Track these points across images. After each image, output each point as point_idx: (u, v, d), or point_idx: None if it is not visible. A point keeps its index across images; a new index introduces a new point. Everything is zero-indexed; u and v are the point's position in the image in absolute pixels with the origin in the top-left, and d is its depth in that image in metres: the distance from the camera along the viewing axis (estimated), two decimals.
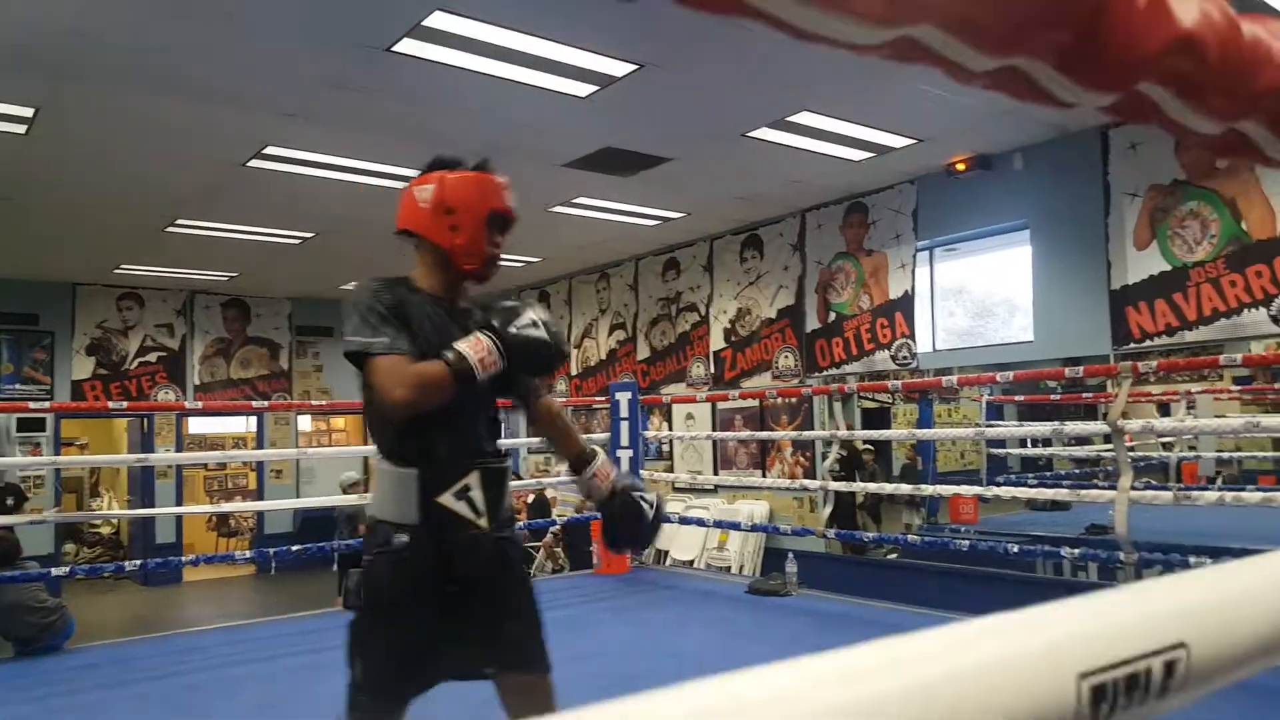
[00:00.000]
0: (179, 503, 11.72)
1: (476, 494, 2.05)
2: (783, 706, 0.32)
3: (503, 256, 2.18)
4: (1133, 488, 4.39)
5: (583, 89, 5.43)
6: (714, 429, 9.19)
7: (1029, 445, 9.28)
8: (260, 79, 5.25)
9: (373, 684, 1.99)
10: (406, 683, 2.01)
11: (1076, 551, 4.90)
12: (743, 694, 0.32)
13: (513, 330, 1.98)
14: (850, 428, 8.03)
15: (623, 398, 7.26)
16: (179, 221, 8.26)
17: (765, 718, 0.31)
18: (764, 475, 8.66)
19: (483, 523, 2.05)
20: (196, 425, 13.10)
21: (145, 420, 11.72)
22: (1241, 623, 0.45)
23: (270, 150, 6.40)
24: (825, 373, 8.23)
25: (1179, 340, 6.04)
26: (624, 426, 7.21)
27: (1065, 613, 0.40)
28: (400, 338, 1.98)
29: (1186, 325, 6.00)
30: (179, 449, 12.06)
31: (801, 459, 8.43)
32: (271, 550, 6.33)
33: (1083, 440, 8.42)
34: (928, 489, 6.33)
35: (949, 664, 0.35)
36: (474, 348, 1.95)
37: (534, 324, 2.00)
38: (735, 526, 8.02)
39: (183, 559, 8.76)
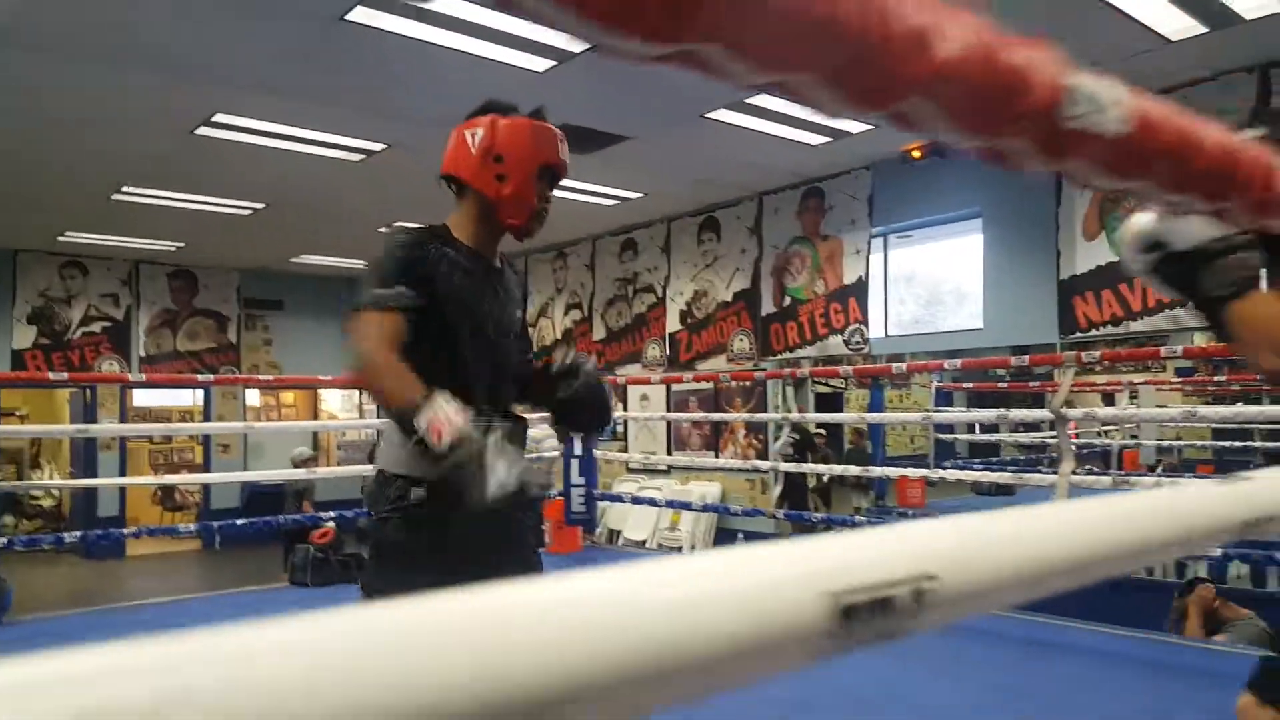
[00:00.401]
0: (123, 475, 11.52)
1: None
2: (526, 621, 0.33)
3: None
4: (1074, 473, 4.47)
5: (540, 64, 5.38)
6: (668, 410, 9.21)
7: (977, 431, 9.42)
8: (210, 46, 5.13)
9: None
10: None
11: None
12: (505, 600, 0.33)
13: (455, 458, 1.64)
14: (803, 411, 8.09)
15: None
16: (125, 189, 8.08)
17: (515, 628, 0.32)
18: (717, 456, 8.70)
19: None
20: (141, 398, 12.87)
21: (88, 391, 11.48)
22: (987, 561, 0.50)
23: (220, 119, 6.28)
24: (780, 356, 8.27)
25: (1124, 330, 6.14)
26: None
27: (823, 543, 0.44)
28: (400, 290, 1.84)
29: (1131, 316, 6.10)
30: (123, 421, 11.84)
31: (754, 441, 8.47)
32: (216, 524, 6.24)
33: (1030, 427, 8.56)
34: (876, 471, 6.39)
35: (706, 586, 0.38)
36: (434, 429, 1.65)
37: (498, 484, 1.61)
38: (687, 507, 8.05)
39: (125, 531, 8.61)
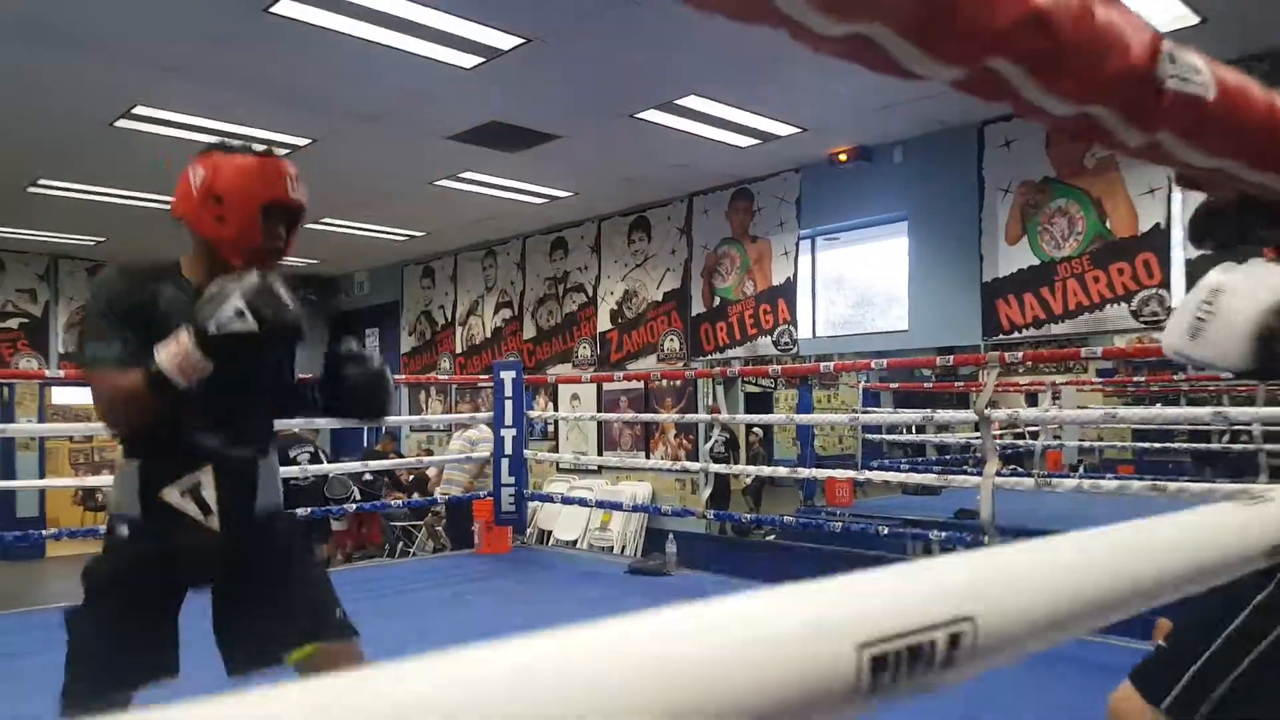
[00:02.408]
0: (42, 476, 11.20)
1: (208, 492, 1.94)
2: (551, 674, 0.31)
3: (287, 253, 2.03)
4: (999, 474, 4.56)
5: (468, 60, 5.33)
6: (599, 410, 9.20)
7: (906, 432, 9.55)
8: (130, 35, 5.01)
9: (84, 671, 1.88)
10: (120, 672, 1.89)
11: (944, 534, 5.07)
12: (518, 659, 0.31)
13: (212, 327, 1.72)
14: (716, 411, 8.14)
15: (507, 377, 7.19)
16: (41, 181, 7.84)
17: (536, 683, 0.30)
18: (648, 457, 8.71)
19: (212, 523, 1.95)
20: (61, 396, 12.53)
21: (4, 389, 11.14)
22: (1029, 599, 0.46)
23: (140, 110, 6.13)
24: (710, 356, 8.31)
25: (1045, 332, 6.28)
26: (508, 406, 7.15)
27: (848, 585, 0.39)
28: (117, 345, 1.84)
29: (1053, 318, 6.24)
30: (41, 420, 11.50)
31: (685, 441, 8.50)
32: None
33: (944, 428, 8.69)
34: (804, 471, 6.45)
35: (727, 636, 0.34)
36: (170, 354, 1.74)
37: (239, 313, 1.72)
38: (617, 507, 8.05)
39: (45, 532, 8.36)
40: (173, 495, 1.92)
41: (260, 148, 1.98)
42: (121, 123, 6.32)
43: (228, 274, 1.84)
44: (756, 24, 0.48)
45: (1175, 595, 0.64)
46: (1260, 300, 1.24)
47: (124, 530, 1.93)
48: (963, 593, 0.42)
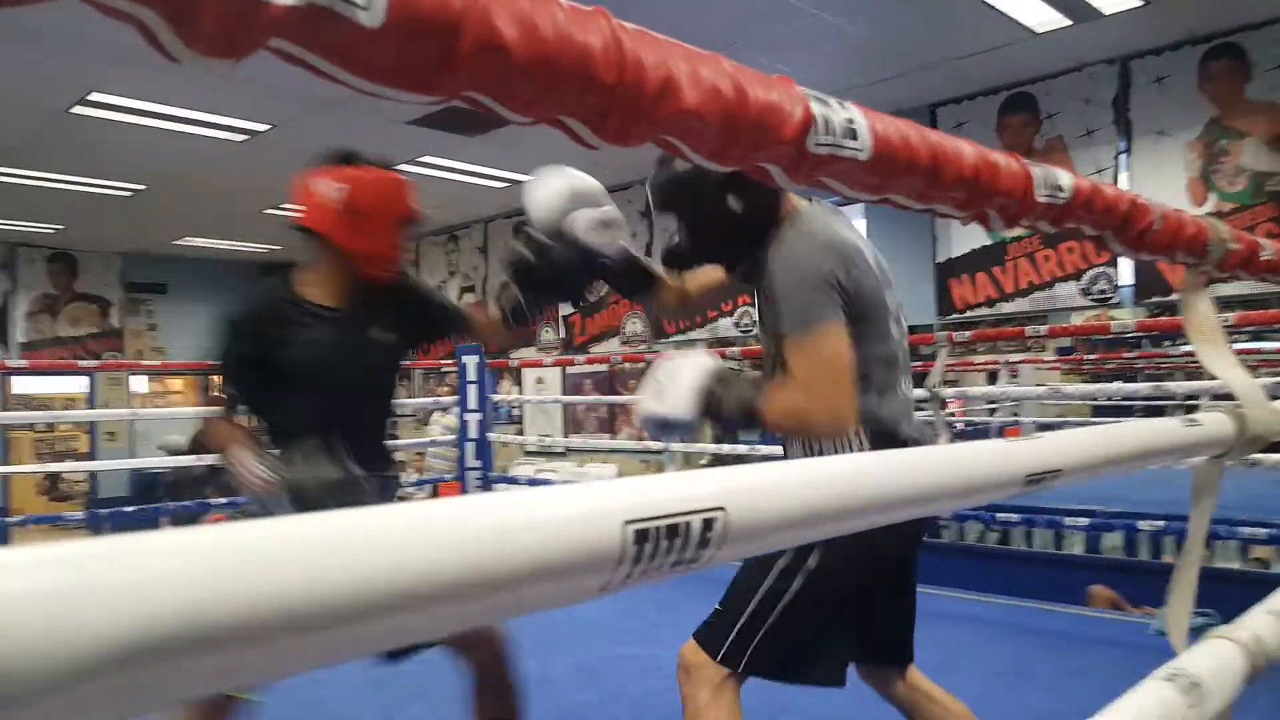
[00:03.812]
0: (4, 465, 11.11)
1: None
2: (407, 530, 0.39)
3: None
4: None
5: None
6: (563, 393, 9.26)
7: None
8: (84, 20, 4.98)
9: None
10: None
11: None
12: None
13: (286, 492, 1.81)
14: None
15: (470, 361, 7.21)
16: None
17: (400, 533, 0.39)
18: (613, 438, 8.79)
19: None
20: (21, 385, 12.40)
21: None
22: (774, 500, 0.56)
23: (95, 97, 6.10)
24: (673, 339, 8.39)
25: (998, 311, 6.41)
26: (471, 390, 7.18)
27: (621, 482, 0.49)
28: (232, 389, 2.00)
29: (1005, 297, 6.37)
30: (3, 410, 11.40)
31: None
32: (105, 511, 6.10)
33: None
34: (763, 449, 6.53)
35: (521, 515, 0.43)
36: (245, 473, 1.83)
37: (296, 501, 1.80)
38: None
39: (9, 520, 8.34)
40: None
41: (377, 160, 2.01)
42: (77, 109, 6.29)
43: (357, 296, 2.01)
44: None
45: (926, 511, 0.75)
46: (703, 370, 1.66)
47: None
48: (716, 491, 0.52)
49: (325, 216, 1.94)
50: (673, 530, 0.48)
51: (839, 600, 1.72)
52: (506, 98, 0.53)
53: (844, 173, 0.75)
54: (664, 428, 1.66)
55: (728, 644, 1.68)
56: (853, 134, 0.72)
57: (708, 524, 0.50)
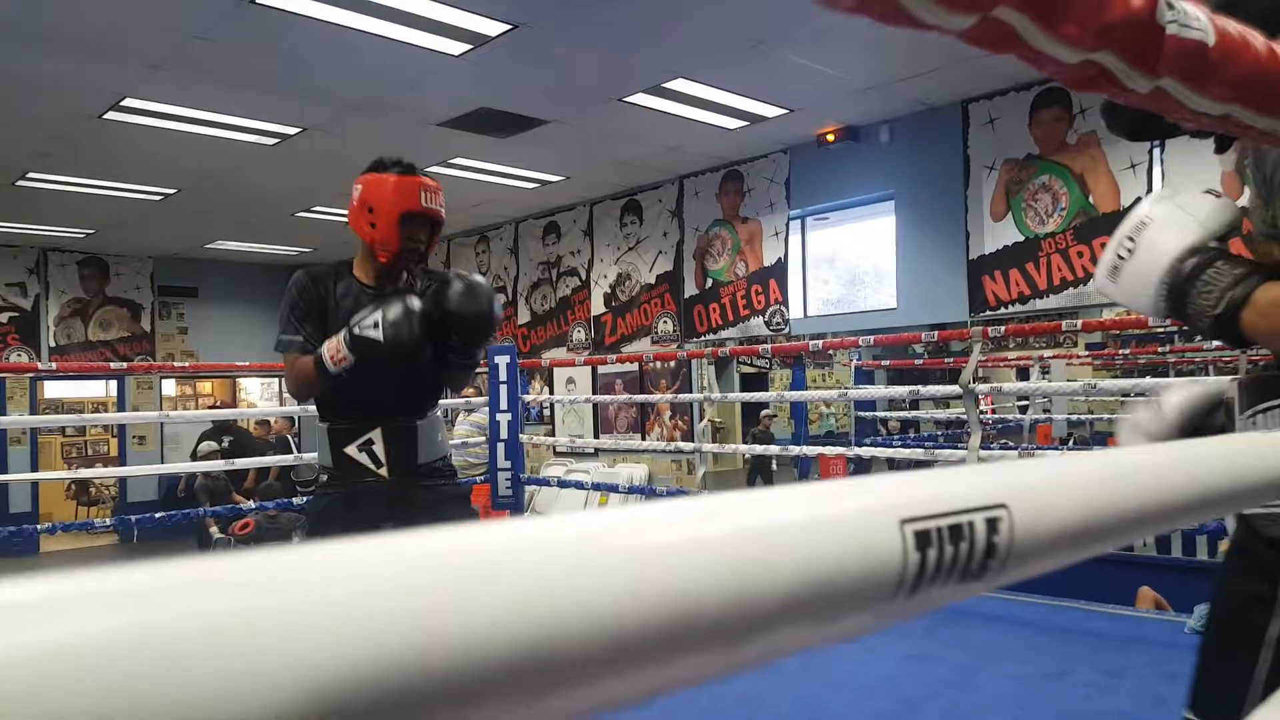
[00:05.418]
0: (34, 470, 11.21)
1: (378, 447, 2.42)
2: (607, 545, 0.30)
3: (429, 253, 2.49)
4: (986, 447, 4.62)
5: (455, 47, 5.35)
6: (594, 393, 9.24)
7: (902, 408, 9.60)
8: (117, 27, 5.02)
9: None
10: None
11: None
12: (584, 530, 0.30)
13: (355, 330, 2.22)
14: (680, 389, 8.19)
15: (501, 361, 7.22)
16: (30, 175, 7.84)
17: (596, 551, 0.30)
18: (643, 438, 8.77)
19: (383, 472, 2.42)
20: (53, 389, 12.52)
21: None
22: (1060, 499, 0.47)
23: (128, 102, 6.13)
24: (703, 338, 8.36)
25: (1031, 308, 6.34)
26: (503, 390, 7.19)
27: (889, 478, 0.42)
28: (300, 334, 2.37)
29: (1038, 294, 6.30)
30: (33, 414, 11.50)
31: (680, 422, 8.56)
32: (134, 518, 6.12)
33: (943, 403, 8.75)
34: (795, 449, 6.50)
35: (779, 517, 0.35)
36: (329, 346, 2.27)
37: (375, 325, 2.20)
38: (614, 489, 8.10)
39: (39, 528, 8.41)
40: (352, 450, 2.43)
41: (404, 164, 2.40)
42: (110, 115, 6.33)
43: (389, 276, 2.46)
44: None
45: (1215, 514, 0.65)
46: (1180, 240, 1.12)
47: (324, 477, 2.50)
48: (996, 487, 0.43)
49: (350, 212, 2.45)
50: (955, 532, 0.39)
51: None
52: None
53: (1192, 68, 0.63)
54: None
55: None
56: (1194, 15, 0.61)
57: (992, 525, 0.41)
